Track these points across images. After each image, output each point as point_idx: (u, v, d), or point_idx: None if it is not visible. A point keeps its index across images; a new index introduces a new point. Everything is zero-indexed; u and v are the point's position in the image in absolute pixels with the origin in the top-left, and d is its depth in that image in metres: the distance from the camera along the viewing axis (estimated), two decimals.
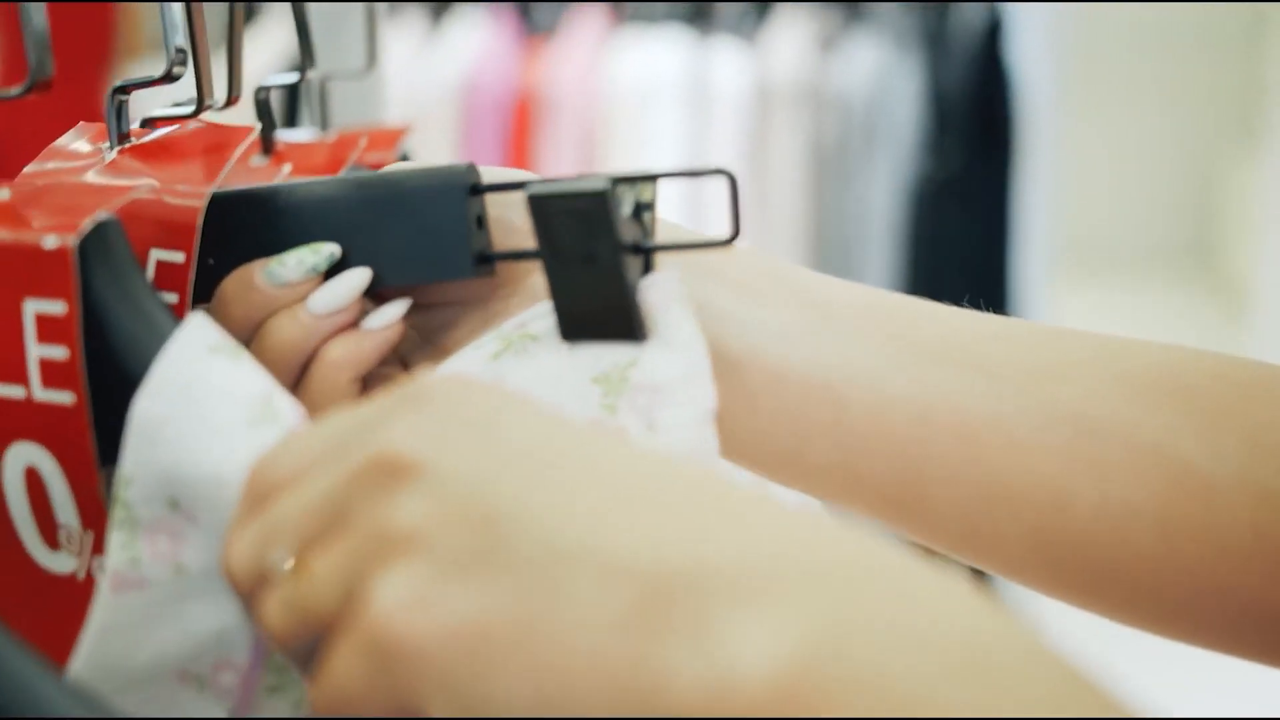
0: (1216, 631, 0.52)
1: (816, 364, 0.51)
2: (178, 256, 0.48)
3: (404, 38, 2.36)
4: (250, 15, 2.09)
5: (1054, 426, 0.50)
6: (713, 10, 2.39)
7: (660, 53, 2.34)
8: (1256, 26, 3.36)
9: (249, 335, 0.51)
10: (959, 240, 2.49)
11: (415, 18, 2.42)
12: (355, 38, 1.09)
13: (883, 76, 2.41)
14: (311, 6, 0.61)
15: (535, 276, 0.52)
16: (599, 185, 0.45)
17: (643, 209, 0.48)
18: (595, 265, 0.46)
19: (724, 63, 2.34)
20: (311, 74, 0.62)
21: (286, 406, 0.42)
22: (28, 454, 0.44)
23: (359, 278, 0.51)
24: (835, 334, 0.51)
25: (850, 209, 2.41)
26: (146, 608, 0.43)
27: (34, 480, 0.44)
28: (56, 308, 0.42)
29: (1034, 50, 2.53)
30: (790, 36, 2.38)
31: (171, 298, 0.48)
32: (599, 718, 0.34)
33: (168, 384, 0.42)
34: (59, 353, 0.43)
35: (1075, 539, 0.50)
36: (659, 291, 0.47)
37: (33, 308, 0.43)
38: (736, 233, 0.47)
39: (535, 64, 2.36)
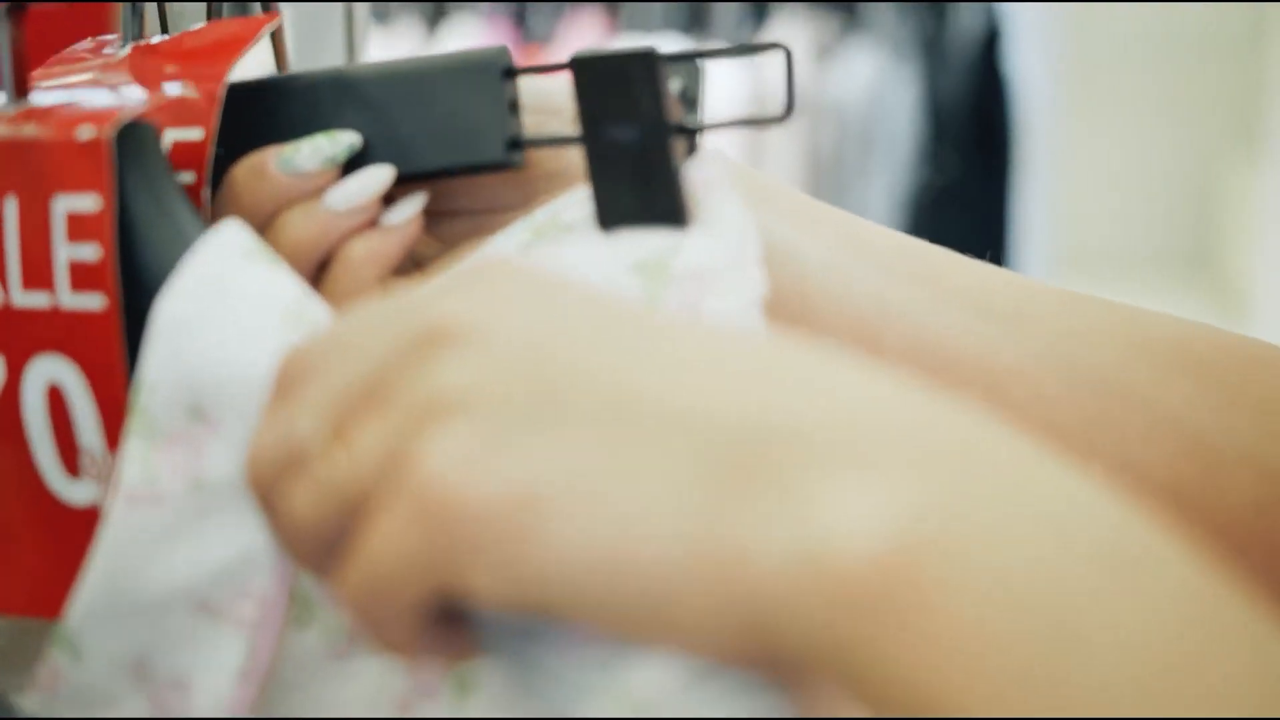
0: None
1: (854, 298, 0.50)
2: (195, 134, 0.44)
3: (399, 45, 2.35)
4: None
5: (1077, 385, 0.50)
6: (709, 17, 2.38)
7: None
8: (1256, 31, 3.38)
9: (260, 228, 0.48)
10: (957, 248, 2.47)
11: (410, 25, 2.41)
12: (339, 47, 1.06)
13: (880, 85, 2.40)
14: (293, 17, 0.57)
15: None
16: (646, 48, 0.43)
17: (689, 91, 0.46)
18: (638, 141, 0.43)
19: (720, 70, 2.32)
20: None
21: (320, 313, 0.40)
22: (51, 369, 0.41)
23: (382, 174, 0.48)
24: (871, 270, 0.51)
25: None
26: (161, 526, 0.40)
27: (56, 400, 0.41)
28: (88, 203, 0.40)
29: (1032, 57, 2.52)
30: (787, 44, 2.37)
31: (188, 177, 0.45)
32: (669, 588, 0.30)
33: (195, 284, 0.39)
34: (90, 252, 0.40)
35: None
36: (704, 172, 0.44)
37: (63, 205, 0.40)
38: (790, 109, 0.45)
39: None
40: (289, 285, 0.40)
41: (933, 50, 2.47)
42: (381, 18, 2.35)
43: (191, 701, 0.40)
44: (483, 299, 0.34)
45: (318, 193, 0.48)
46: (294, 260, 0.47)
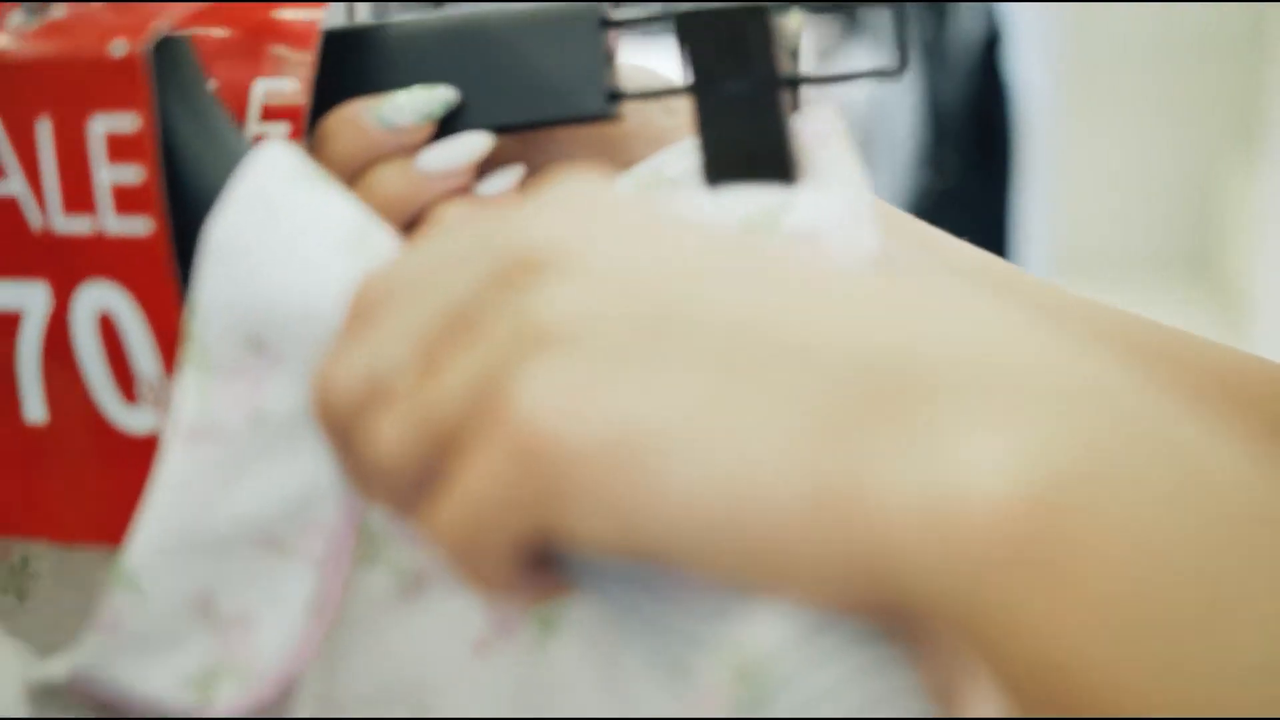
0: None
1: None
2: (290, 84, 0.44)
3: None
4: None
5: None
6: None
7: (657, 64, 2.32)
8: (1256, 31, 3.38)
9: (350, 181, 0.47)
10: None
11: None
12: None
13: (880, 87, 2.40)
14: None
15: None
16: (756, 3, 0.42)
17: (791, 39, 0.45)
18: (747, 95, 0.42)
19: None
20: None
21: (385, 238, 0.38)
22: (100, 297, 0.40)
23: (479, 142, 0.47)
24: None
25: None
26: (222, 462, 0.38)
27: (108, 328, 0.40)
28: (127, 122, 0.39)
29: (1032, 59, 2.53)
30: None
31: (282, 129, 0.44)
32: (786, 533, 0.28)
33: (247, 206, 0.38)
34: (132, 174, 0.39)
35: None
36: (816, 126, 0.43)
37: (101, 126, 0.39)
38: (904, 63, 0.44)
39: None
40: (348, 209, 0.38)
41: (933, 53, 2.47)
42: (381, 19, 2.35)
43: (260, 638, 0.39)
44: (581, 223, 0.32)
45: (412, 148, 0.47)
46: (381, 215, 0.45)
